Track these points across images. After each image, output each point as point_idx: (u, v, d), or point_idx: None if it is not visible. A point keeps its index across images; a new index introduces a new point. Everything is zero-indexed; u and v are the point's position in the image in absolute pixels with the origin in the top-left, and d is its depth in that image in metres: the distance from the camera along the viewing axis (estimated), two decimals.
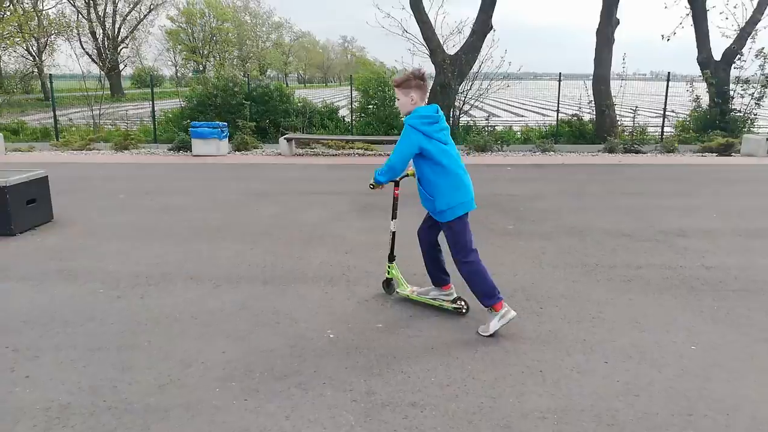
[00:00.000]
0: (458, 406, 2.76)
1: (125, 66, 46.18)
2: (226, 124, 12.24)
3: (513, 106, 32.90)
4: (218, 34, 52.17)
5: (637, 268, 4.87)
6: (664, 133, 14.48)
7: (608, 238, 5.76)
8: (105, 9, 41.06)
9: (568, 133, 14.22)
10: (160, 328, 3.65)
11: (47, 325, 3.69)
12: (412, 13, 14.52)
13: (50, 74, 16.35)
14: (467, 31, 14.48)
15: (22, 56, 38.52)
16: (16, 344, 3.42)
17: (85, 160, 11.33)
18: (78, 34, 38.90)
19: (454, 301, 3.93)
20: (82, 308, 3.97)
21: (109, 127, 15.48)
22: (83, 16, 39.51)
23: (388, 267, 4.15)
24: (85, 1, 39.10)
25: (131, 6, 43.07)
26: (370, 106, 14.80)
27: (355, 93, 15.15)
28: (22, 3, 34.08)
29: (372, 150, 12.66)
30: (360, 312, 3.91)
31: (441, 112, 3.63)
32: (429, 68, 15.27)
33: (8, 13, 31.40)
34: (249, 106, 13.84)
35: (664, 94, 14.48)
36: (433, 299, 3.99)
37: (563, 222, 6.43)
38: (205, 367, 3.16)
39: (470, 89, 14.42)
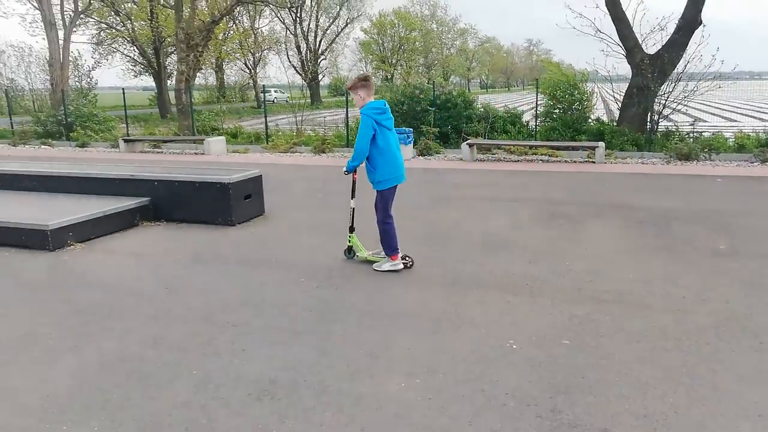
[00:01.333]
0: None
1: (323, 76, 50.83)
2: (411, 129, 12.71)
3: (724, 109, 29.01)
4: (406, 43, 54.59)
5: None
6: None
7: None
8: (309, 24, 45.55)
9: None
10: (352, 319, 3.93)
11: (259, 306, 4.21)
12: (607, 11, 13.64)
13: (263, 85, 18.62)
14: (671, 28, 13.18)
15: (241, 69, 44.50)
16: (235, 321, 3.96)
17: (288, 162, 12.66)
18: (286, 48, 43.78)
19: (403, 258, 4.93)
20: (287, 294, 4.45)
21: (309, 132, 17.12)
22: (290, 32, 44.30)
23: (349, 237, 5.19)
24: (293, 18, 43.73)
25: (331, 21, 47.18)
26: (556, 111, 14.22)
27: (540, 97, 14.68)
28: (242, 23, 39.35)
29: (557, 156, 12.11)
30: (544, 325, 3.78)
31: (387, 106, 4.77)
32: (624, 69, 14.21)
33: (231, 33, 36.48)
34: (433, 113, 14.23)
35: None
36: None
37: None
38: (391, 360, 3.33)
39: (672, 91, 13.05)
